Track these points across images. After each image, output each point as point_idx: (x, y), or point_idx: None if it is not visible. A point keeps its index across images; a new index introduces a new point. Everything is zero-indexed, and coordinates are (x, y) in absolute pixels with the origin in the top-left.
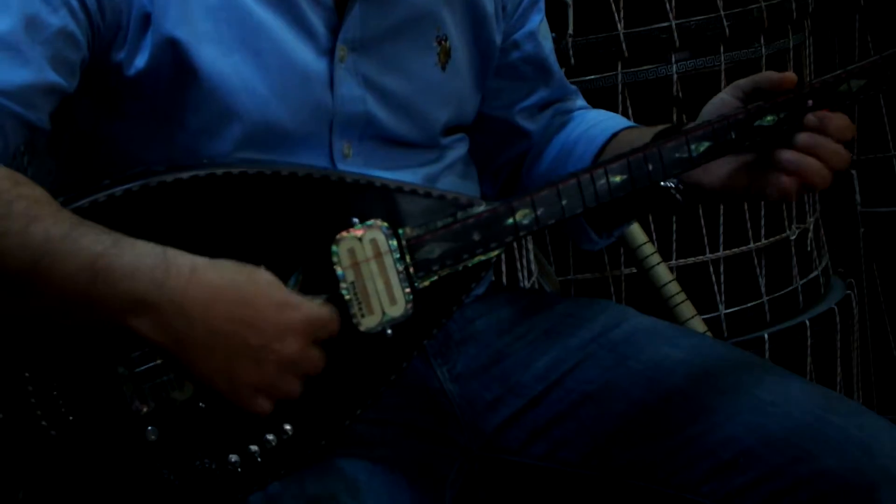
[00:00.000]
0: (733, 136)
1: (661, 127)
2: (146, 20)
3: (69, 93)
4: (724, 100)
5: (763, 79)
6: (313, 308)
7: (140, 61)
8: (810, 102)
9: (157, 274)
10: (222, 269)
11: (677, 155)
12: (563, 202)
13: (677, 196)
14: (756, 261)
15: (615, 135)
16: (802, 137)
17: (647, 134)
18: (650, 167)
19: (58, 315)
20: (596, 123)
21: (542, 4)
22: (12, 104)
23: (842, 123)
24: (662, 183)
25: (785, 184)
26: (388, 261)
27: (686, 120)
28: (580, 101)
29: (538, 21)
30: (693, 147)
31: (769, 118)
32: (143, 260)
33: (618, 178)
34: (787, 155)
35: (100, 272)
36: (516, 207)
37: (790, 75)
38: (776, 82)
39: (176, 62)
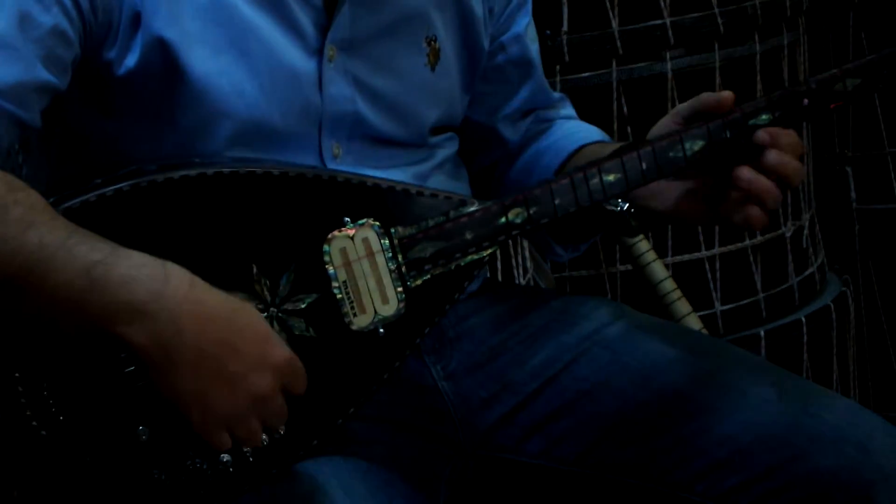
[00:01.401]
0: (728, 136)
1: (620, 144)
2: (136, 19)
3: (61, 91)
4: (664, 125)
5: (699, 102)
6: (290, 352)
7: (130, 60)
8: (806, 101)
9: (156, 284)
10: (216, 291)
11: (671, 154)
12: (556, 201)
13: (630, 221)
14: (752, 258)
15: (581, 148)
16: (772, 155)
17: (610, 149)
18: (644, 166)
19: (49, 321)
20: (569, 134)
21: (529, 7)
22: (5, 102)
23: (793, 140)
24: (613, 207)
25: (752, 212)
26: (381, 260)
27: (631, 133)
28: (566, 110)
29: (525, 24)
30: (687, 146)
31: (764, 117)
32: (141, 269)
33: (611, 177)
34: (747, 174)
35: (96, 280)
36: (509, 206)
37: (726, 94)
38: (712, 104)
39: (165, 62)
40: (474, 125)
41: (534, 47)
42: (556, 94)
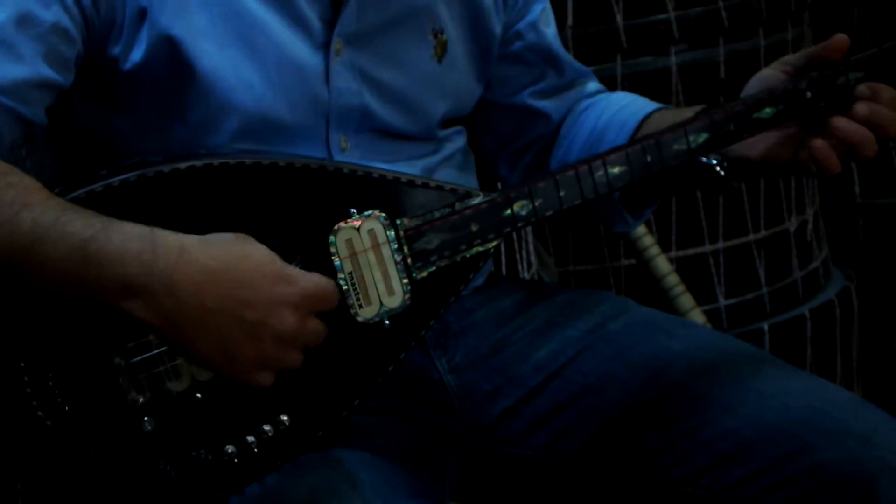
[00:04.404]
0: (732, 128)
1: (695, 108)
2: (142, 15)
3: (65, 88)
4: (768, 75)
5: (813, 51)
6: (311, 281)
7: (136, 56)
8: (809, 95)
9: (146, 256)
10: (212, 246)
11: (675, 146)
12: (561, 193)
13: (720, 172)
14: (756, 252)
15: (647, 117)
16: (859, 106)
17: (681, 115)
18: (648, 158)
19: (50, 300)
20: (624, 106)
21: None
22: (6, 100)
23: (893, 94)
24: (704, 160)
25: (825, 154)
26: (386, 251)
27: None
28: (595, 84)
29: (539, 10)
30: (692, 139)
31: (768, 110)
32: (131, 243)
33: (616, 170)
34: (839, 122)
35: (90, 256)
36: (514, 198)
37: (841, 39)
38: (827, 52)
39: (172, 57)
40: (504, 107)
41: (549, 31)
42: (583, 68)
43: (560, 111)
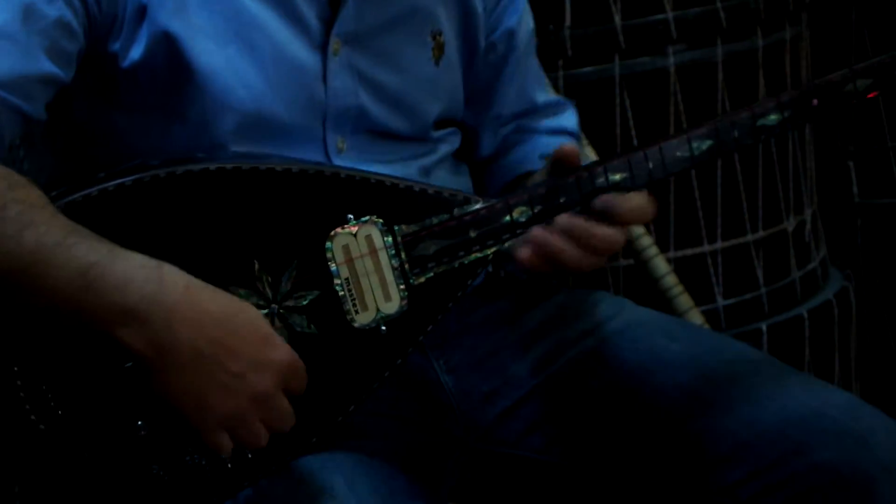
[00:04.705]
0: (736, 135)
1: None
2: (142, 11)
3: (66, 83)
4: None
5: (554, 156)
6: (291, 353)
7: (135, 53)
8: (815, 101)
9: (150, 287)
10: (214, 292)
11: (678, 153)
12: (561, 199)
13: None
14: (754, 252)
15: (526, 175)
16: (562, 219)
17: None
18: (651, 165)
19: (45, 318)
20: (525, 158)
21: (519, 2)
22: (8, 94)
23: (634, 205)
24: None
25: (523, 256)
26: (383, 257)
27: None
28: (553, 121)
29: (515, 20)
30: (695, 146)
31: (773, 117)
32: (137, 272)
33: (618, 176)
34: (537, 231)
35: (92, 282)
36: (513, 205)
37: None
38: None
39: (171, 54)
40: (463, 127)
41: (523, 41)
42: (551, 99)
43: (496, 143)
